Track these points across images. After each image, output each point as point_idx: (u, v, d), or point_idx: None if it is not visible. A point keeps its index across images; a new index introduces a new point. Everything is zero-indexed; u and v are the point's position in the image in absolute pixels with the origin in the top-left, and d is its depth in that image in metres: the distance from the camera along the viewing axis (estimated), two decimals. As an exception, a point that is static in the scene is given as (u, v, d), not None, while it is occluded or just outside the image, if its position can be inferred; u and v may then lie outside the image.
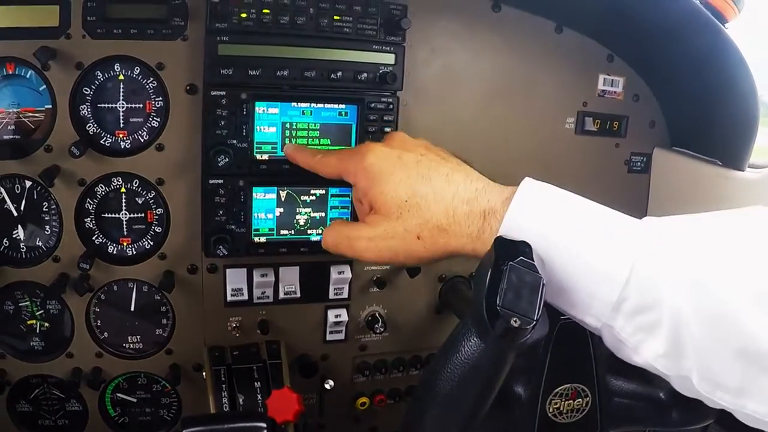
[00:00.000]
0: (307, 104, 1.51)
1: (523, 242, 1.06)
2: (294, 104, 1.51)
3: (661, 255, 1.02)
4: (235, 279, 1.60)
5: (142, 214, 1.55)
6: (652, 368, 1.07)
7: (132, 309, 1.61)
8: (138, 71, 1.46)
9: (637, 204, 1.90)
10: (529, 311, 0.98)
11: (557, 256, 1.07)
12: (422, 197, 1.18)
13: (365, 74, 1.51)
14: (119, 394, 1.69)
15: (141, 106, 1.48)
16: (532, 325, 0.97)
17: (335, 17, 1.47)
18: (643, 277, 1.01)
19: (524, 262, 1.02)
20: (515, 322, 0.96)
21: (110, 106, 1.47)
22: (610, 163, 1.87)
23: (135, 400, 1.71)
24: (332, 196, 1.58)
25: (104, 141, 1.48)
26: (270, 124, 1.50)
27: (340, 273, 1.67)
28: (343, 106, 1.54)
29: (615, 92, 1.81)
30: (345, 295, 1.71)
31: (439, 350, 1.11)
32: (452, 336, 1.09)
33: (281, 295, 1.64)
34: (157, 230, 1.56)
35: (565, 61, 1.75)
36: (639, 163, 1.89)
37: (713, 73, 1.66)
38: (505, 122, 1.72)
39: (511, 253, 1.03)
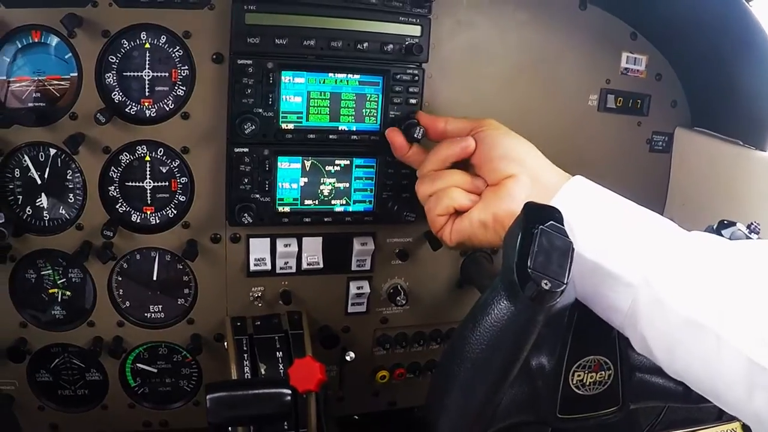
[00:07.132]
0: (333, 74, 1.51)
1: (553, 207, 1.07)
2: (320, 74, 1.51)
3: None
4: (258, 248, 1.60)
5: (166, 183, 1.55)
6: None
7: (154, 278, 1.62)
8: (164, 40, 1.46)
9: (658, 183, 1.89)
10: (559, 274, 0.99)
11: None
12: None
13: (391, 45, 1.51)
14: (140, 365, 1.70)
15: (167, 74, 1.48)
16: (562, 288, 0.98)
17: None
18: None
19: (554, 227, 1.03)
20: (546, 284, 0.97)
21: (136, 74, 1.47)
22: (631, 142, 1.86)
23: (155, 371, 1.72)
24: (357, 167, 1.59)
25: (129, 109, 1.48)
26: (296, 93, 1.50)
27: (363, 244, 1.67)
28: (368, 76, 1.53)
29: (638, 70, 1.81)
30: (367, 266, 1.71)
31: (468, 315, 1.11)
32: (481, 300, 1.09)
33: (304, 266, 1.64)
34: (181, 199, 1.56)
35: (589, 38, 1.74)
36: (660, 143, 1.89)
37: (736, 53, 1.65)
38: (529, 97, 1.72)
39: (542, 217, 1.04)
